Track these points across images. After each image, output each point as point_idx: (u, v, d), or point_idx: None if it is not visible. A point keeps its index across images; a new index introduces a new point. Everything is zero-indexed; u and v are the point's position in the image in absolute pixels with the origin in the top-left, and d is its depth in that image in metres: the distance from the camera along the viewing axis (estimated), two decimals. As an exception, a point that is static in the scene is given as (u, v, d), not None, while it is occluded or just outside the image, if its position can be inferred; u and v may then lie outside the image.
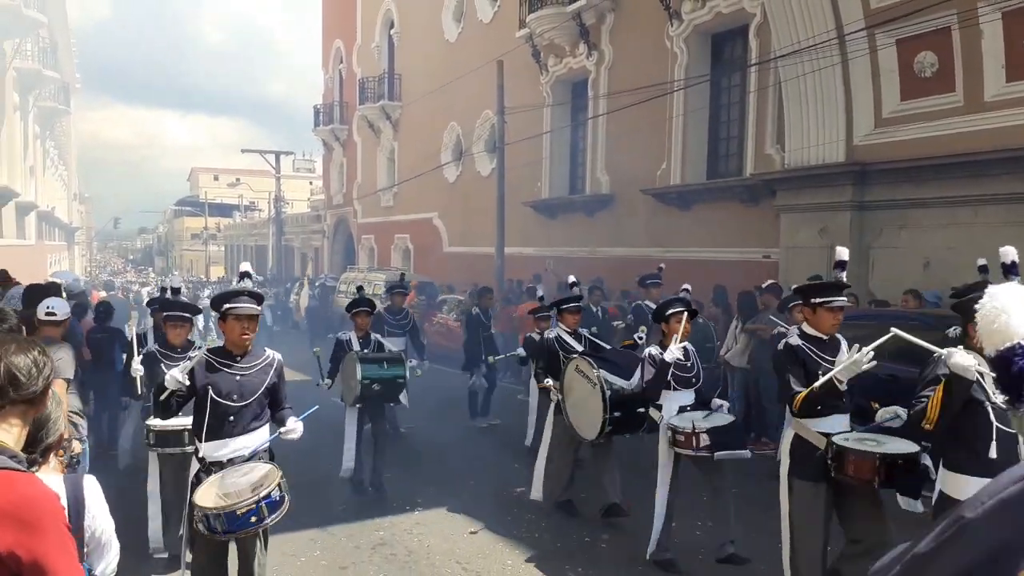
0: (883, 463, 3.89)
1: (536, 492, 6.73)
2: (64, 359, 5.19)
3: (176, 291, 6.20)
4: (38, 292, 5.95)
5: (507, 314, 14.03)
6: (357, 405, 7.11)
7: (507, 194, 18.45)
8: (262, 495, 3.68)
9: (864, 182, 11.50)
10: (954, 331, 5.89)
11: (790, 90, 12.33)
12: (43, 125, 37.93)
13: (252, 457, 4.08)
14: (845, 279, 4.41)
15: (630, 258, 15.92)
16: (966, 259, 10.01)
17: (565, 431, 6.39)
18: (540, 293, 9.17)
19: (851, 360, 3.87)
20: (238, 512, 3.63)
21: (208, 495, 3.74)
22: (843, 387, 3.95)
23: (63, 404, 2.26)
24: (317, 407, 4.14)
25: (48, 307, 5.50)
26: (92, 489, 2.22)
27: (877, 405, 4.23)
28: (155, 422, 5.23)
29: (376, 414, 7.35)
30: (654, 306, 9.37)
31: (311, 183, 64.04)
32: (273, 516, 3.72)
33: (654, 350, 5.40)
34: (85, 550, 2.19)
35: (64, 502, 2.02)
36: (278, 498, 3.75)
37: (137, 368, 5.66)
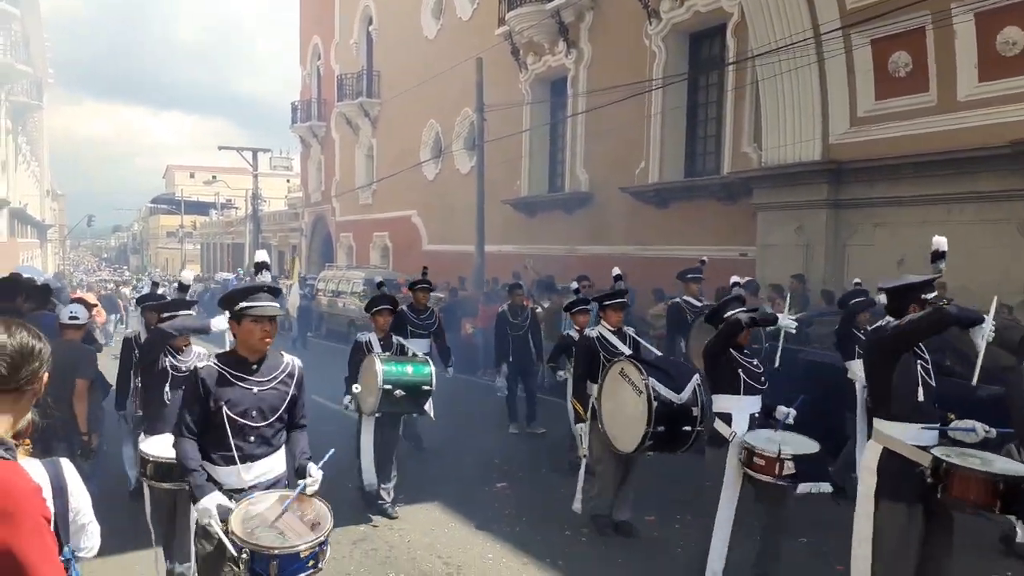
0: (1007, 487, 3.44)
1: (576, 503, 6.19)
2: (86, 359, 5.94)
3: (184, 287, 5.60)
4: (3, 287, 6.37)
5: (488, 312, 14.07)
6: (376, 414, 6.33)
7: (486, 192, 18.46)
8: (323, 537, 3.17)
9: (840, 181, 11.63)
10: None
11: (767, 89, 12.43)
12: (15, 120, 37.37)
13: (277, 483, 3.57)
14: (943, 269, 4.01)
15: (609, 256, 15.95)
16: (939, 256, 10.21)
17: (603, 441, 5.77)
18: (575, 286, 8.50)
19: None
20: (301, 554, 3.10)
21: (251, 527, 3.16)
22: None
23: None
24: (333, 451, 3.66)
25: (71, 312, 6.21)
26: (71, 472, 2.23)
27: (953, 416, 3.96)
28: (152, 449, 4.58)
29: (391, 427, 6.62)
30: (696, 302, 8.69)
31: (288, 181, 63.61)
32: (324, 561, 3.23)
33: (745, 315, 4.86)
34: (71, 531, 2.19)
35: (48, 490, 2.02)
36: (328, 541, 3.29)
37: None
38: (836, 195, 11.69)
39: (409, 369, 6.22)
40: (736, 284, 6.01)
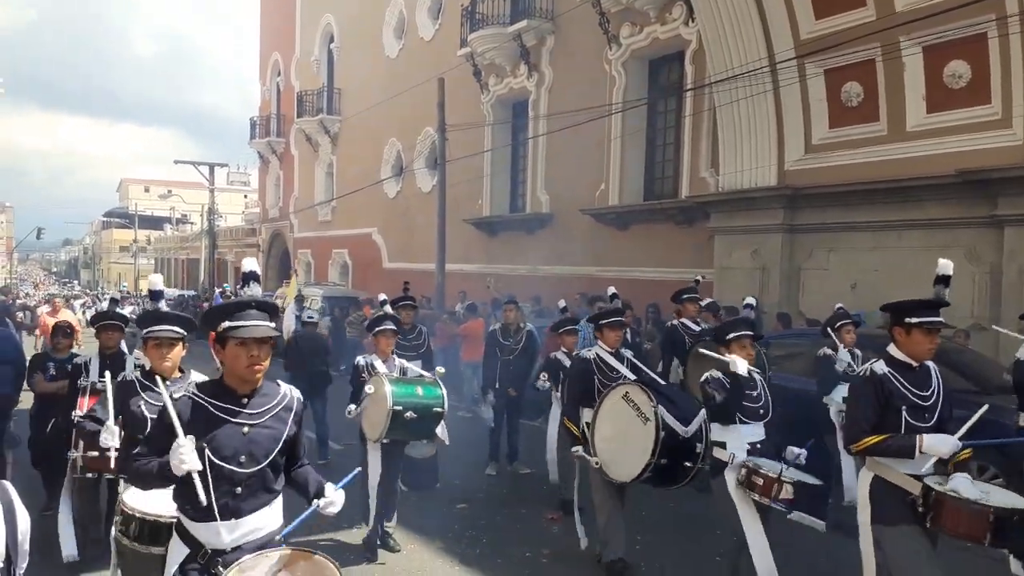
0: (997, 519, 3.30)
1: (583, 539, 5.89)
2: None
3: (157, 295, 4.26)
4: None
5: (445, 330, 14.07)
6: (384, 440, 5.76)
7: (448, 210, 18.48)
8: None
9: (795, 206, 11.91)
10: None
11: (724, 115, 12.70)
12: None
13: (268, 542, 2.94)
14: (948, 297, 3.82)
15: (569, 276, 16.12)
16: (891, 281, 10.47)
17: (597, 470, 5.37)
18: (563, 304, 8.10)
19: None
20: None
21: None
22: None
23: None
24: (359, 470, 3.27)
25: None
26: (15, 493, 2.19)
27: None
28: (137, 502, 3.57)
29: (396, 455, 6.13)
30: (693, 326, 8.04)
31: (246, 196, 63.01)
32: None
33: (718, 373, 4.63)
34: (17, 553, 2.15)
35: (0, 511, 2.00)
36: None
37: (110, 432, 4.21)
38: (791, 220, 11.97)
39: (419, 390, 5.74)
40: (748, 305, 5.80)
